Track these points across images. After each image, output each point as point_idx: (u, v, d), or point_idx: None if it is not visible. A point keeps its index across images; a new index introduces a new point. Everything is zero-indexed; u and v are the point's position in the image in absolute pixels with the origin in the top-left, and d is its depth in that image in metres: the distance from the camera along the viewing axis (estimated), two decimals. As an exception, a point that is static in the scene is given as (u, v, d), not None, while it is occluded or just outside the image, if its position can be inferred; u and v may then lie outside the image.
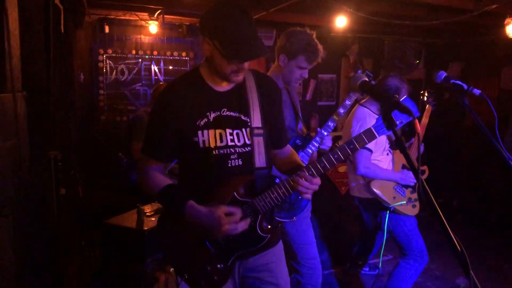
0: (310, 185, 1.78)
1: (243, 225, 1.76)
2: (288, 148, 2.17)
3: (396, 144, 1.46)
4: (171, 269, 3.15)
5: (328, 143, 2.84)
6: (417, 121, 1.45)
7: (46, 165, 2.87)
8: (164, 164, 1.96)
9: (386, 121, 1.50)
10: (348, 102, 2.91)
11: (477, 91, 2.42)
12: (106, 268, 3.58)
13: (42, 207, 2.81)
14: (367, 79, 1.72)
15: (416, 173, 1.39)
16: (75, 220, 4.17)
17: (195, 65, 2.08)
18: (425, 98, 3.65)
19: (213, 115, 1.84)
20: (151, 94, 5.37)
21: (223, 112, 1.86)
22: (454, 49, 7.24)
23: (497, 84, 6.64)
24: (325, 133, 2.82)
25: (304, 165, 1.86)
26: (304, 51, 2.69)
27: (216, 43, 1.72)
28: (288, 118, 2.78)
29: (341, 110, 2.91)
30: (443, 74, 2.55)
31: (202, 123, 1.83)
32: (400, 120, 1.70)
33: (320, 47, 2.74)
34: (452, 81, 2.49)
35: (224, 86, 1.89)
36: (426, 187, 1.36)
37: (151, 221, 3.46)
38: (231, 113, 1.88)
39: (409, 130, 3.32)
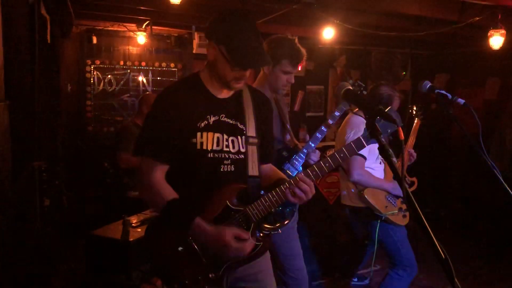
0: (309, 189, 1.79)
1: (248, 249, 1.77)
2: (271, 165, 2.16)
3: (380, 153, 1.47)
4: (158, 281, 3.11)
5: (314, 158, 2.82)
6: (400, 129, 1.46)
7: (30, 175, 2.83)
8: (168, 165, 1.88)
9: (370, 130, 1.50)
10: (337, 113, 2.91)
11: (461, 101, 2.45)
12: (91, 279, 3.52)
13: (25, 218, 2.76)
14: (351, 87, 1.73)
15: (401, 181, 1.39)
16: (60, 230, 4.11)
17: (185, 75, 2.08)
18: (414, 112, 3.69)
19: (213, 118, 1.86)
20: (137, 103, 5.33)
21: (221, 117, 1.88)
22: (440, 60, 7.34)
23: (482, 94, 6.73)
24: (313, 145, 2.80)
25: (289, 179, 1.87)
26: (287, 55, 2.68)
27: (222, 48, 1.74)
28: (275, 128, 2.76)
29: (331, 121, 2.91)
30: (428, 84, 2.58)
31: (202, 125, 1.83)
32: (386, 129, 1.72)
33: (302, 50, 2.73)
34: (436, 91, 2.52)
35: (224, 93, 1.91)
36: (410, 194, 1.36)
37: (137, 232, 3.42)
38: (229, 120, 1.89)
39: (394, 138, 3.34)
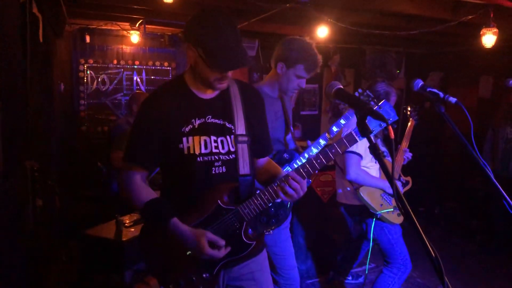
0: (299, 188, 1.79)
1: (223, 253, 1.78)
2: (268, 159, 2.16)
3: (371, 152, 1.47)
4: (151, 281, 3.10)
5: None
6: (391, 127, 1.46)
7: (22, 175, 2.81)
8: (148, 172, 1.93)
9: (361, 128, 1.51)
10: (343, 121, 2.87)
11: (453, 99, 2.44)
12: (85, 279, 3.51)
13: (17, 218, 2.74)
14: (342, 86, 1.73)
15: (391, 180, 1.39)
16: (53, 230, 4.09)
17: (179, 73, 2.07)
18: (408, 113, 3.70)
19: (198, 121, 1.84)
20: (127, 102, 5.30)
21: (208, 119, 1.86)
22: (433, 59, 7.37)
23: (475, 93, 6.76)
24: (315, 150, 2.76)
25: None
26: (303, 60, 2.63)
27: (200, 50, 1.72)
28: (279, 129, 2.75)
29: (334, 129, 2.86)
30: (419, 82, 2.57)
31: (187, 129, 1.82)
32: (378, 124, 1.72)
33: (319, 56, 2.67)
34: (428, 89, 2.52)
35: (209, 94, 1.89)
36: (400, 192, 1.37)
37: (130, 232, 3.41)
38: (216, 121, 1.88)
39: (386, 136, 3.35)
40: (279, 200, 2.44)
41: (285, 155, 2.73)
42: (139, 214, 1.89)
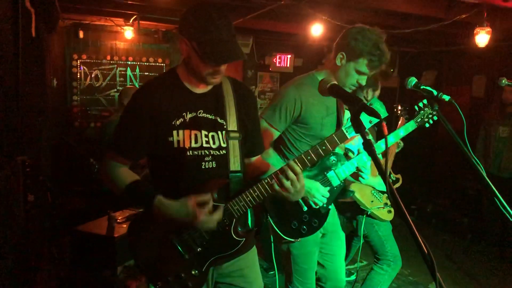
0: (296, 178, 1.74)
1: (217, 218, 1.76)
2: (260, 157, 2.14)
3: (364, 148, 1.47)
4: (143, 277, 3.10)
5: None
6: (384, 123, 1.46)
7: (14, 170, 2.79)
8: (130, 163, 1.91)
9: (354, 124, 1.50)
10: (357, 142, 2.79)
11: (446, 97, 2.46)
12: (76, 275, 3.50)
13: (8, 213, 2.72)
14: (336, 82, 1.72)
15: (384, 176, 1.39)
16: (44, 226, 4.07)
17: (170, 68, 2.05)
18: (399, 112, 3.71)
19: (189, 115, 1.82)
20: (118, 97, 5.27)
21: (199, 113, 1.85)
22: (427, 57, 7.39)
23: (469, 92, 6.79)
24: (364, 159, 2.53)
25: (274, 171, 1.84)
26: (367, 54, 2.30)
27: (194, 44, 1.71)
28: (328, 126, 2.49)
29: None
30: (413, 80, 2.58)
31: (178, 122, 1.80)
32: (369, 120, 1.72)
33: (387, 53, 2.35)
34: (422, 87, 2.53)
35: (201, 88, 1.88)
36: (394, 190, 1.37)
37: (122, 228, 3.40)
38: (208, 115, 1.86)
39: (378, 132, 3.36)
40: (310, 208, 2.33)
41: (332, 158, 2.47)
42: (121, 194, 1.86)
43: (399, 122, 3.67)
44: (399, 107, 3.71)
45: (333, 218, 2.70)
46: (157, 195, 1.76)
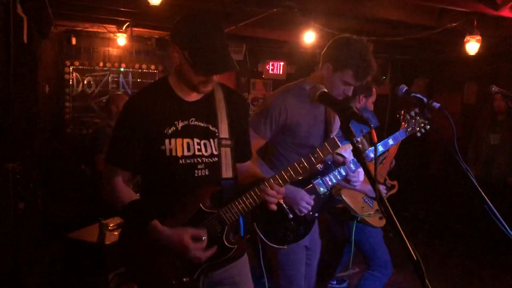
0: (276, 194, 1.80)
1: (209, 254, 1.76)
2: (250, 163, 2.15)
3: (354, 155, 1.47)
4: (134, 285, 3.08)
5: (355, 180, 2.62)
6: (373, 131, 1.47)
7: (4, 177, 2.78)
8: (130, 173, 1.90)
9: (344, 131, 1.51)
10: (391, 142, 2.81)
11: (436, 104, 2.47)
12: (67, 283, 3.47)
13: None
14: (326, 89, 1.73)
15: (373, 183, 1.40)
16: (35, 233, 4.04)
17: (161, 77, 2.05)
18: (402, 117, 3.71)
19: (181, 124, 1.83)
20: (106, 103, 5.19)
21: (191, 121, 1.85)
22: (419, 65, 7.45)
23: (460, 99, 6.85)
24: (353, 167, 2.57)
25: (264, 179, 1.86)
26: (353, 65, 2.29)
27: (186, 53, 1.71)
28: (315, 135, 2.51)
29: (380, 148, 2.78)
30: (404, 88, 2.60)
31: (170, 131, 1.81)
32: (359, 129, 1.73)
33: (374, 64, 2.32)
34: (412, 94, 2.55)
35: (193, 96, 1.88)
36: (383, 196, 1.37)
37: (113, 236, 3.37)
38: (200, 123, 1.87)
39: (369, 139, 3.36)
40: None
41: (319, 166, 2.49)
42: (119, 214, 1.86)
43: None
44: (402, 112, 3.70)
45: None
46: (152, 219, 1.75)
